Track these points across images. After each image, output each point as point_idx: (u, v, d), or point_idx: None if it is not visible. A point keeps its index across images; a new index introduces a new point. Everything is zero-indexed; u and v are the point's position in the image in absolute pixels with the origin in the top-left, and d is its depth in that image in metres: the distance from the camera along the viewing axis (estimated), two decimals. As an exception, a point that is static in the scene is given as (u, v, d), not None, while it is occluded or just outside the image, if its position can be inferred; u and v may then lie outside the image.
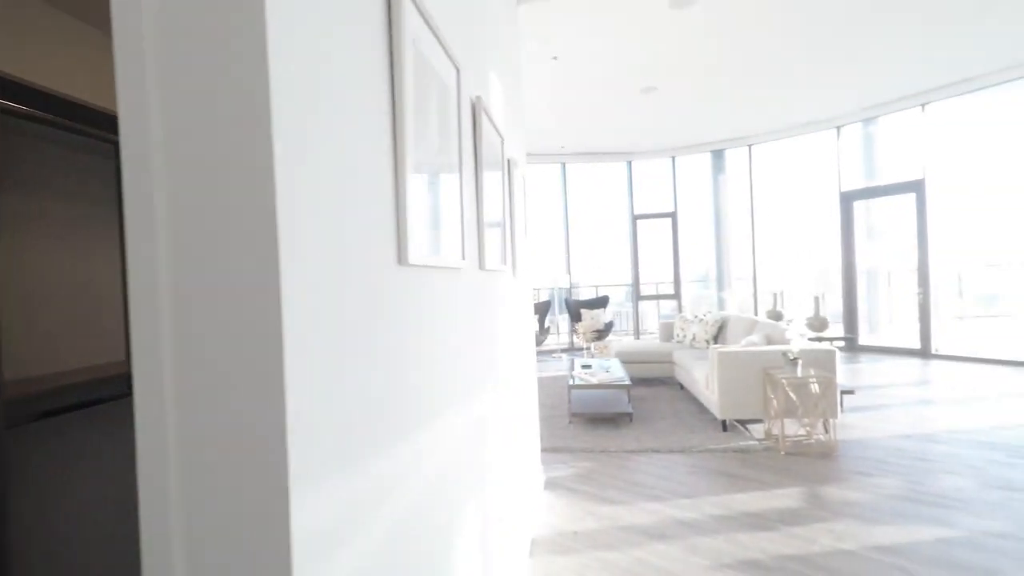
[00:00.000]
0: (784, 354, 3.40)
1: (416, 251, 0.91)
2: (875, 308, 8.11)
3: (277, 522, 0.51)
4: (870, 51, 4.64)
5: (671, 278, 8.53)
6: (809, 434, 3.42)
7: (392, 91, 0.87)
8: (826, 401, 3.33)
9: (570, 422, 4.08)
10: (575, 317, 7.82)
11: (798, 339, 3.38)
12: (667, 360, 5.30)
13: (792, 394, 3.36)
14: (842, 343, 6.90)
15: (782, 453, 3.24)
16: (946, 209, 6.19)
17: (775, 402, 3.37)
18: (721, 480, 2.88)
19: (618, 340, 8.44)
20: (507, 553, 1.79)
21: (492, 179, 1.76)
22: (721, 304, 8.61)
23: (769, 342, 3.91)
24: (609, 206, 8.78)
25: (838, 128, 6.83)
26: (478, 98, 1.52)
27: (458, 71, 1.26)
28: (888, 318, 8.26)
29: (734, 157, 8.05)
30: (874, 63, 4.96)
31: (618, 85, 5.13)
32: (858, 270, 7.07)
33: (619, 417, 4.05)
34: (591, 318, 7.74)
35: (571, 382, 4.07)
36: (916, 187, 6.08)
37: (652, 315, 9.26)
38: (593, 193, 8.94)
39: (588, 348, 7.11)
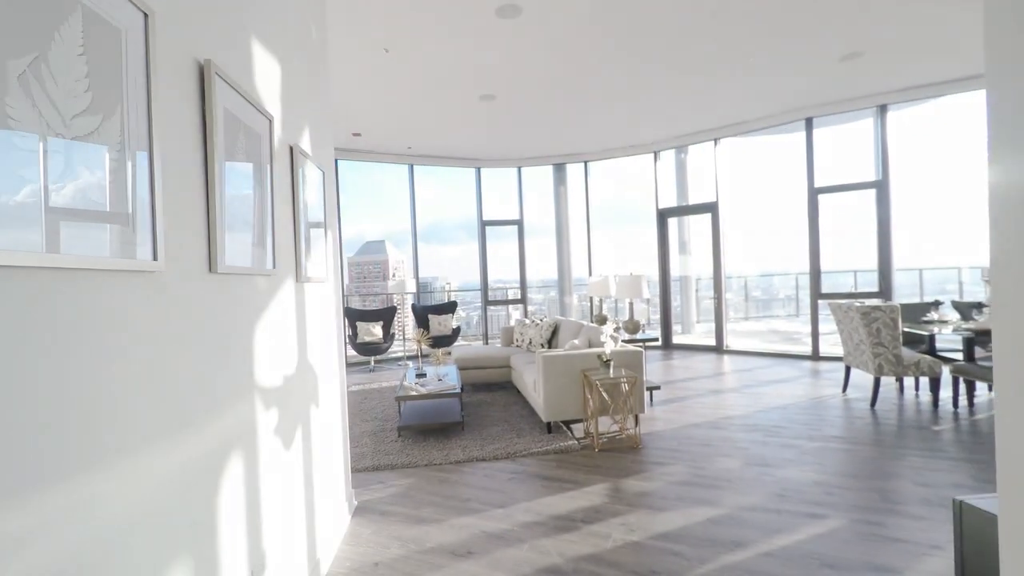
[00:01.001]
0: (599, 356, 3.63)
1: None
2: (687, 311, 9.42)
3: None
4: (673, 87, 5.31)
5: (518, 283, 8.81)
6: (621, 430, 3.69)
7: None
8: (634, 398, 3.62)
9: (399, 436, 3.84)
10: (422, 323, 7.60)
11: (610, 342, 3.63)
12: (507, 365, 5.38)
13: (605, 394, 3.59)
14: (657, 343, 7.82)
15: (596, 451, 3.43)
16: (732, 227, 7.41)
17: (591, 402, 3.57)
18: (537, 484, 2.91)
19: (467, 345, 8.44)
20: (267, 612, 1.50)
21: (246, 168, 1.47)
22: (563, 309, 9.17)
23: (590, 345, 4.16)
24: (460, 211, 8.77)
25: (655, 152, 7.75)
26: (208, 62, 1.23)
27: (147, 16, 0.97)
28: (696, 319, 9.66)
29: (573, 171, 8.65)
30: (676, 95, 5.68)
31: (456, 89, 5.07)
32: (672, 278, 8.11)
33: (451, 427, 3.94)
34: (439, 324, 7.59)
35: (398, 393, 3.83)
36: (712, 208, 7.17)
37: (509, 320, 9.50)
38: (445, 197, 8.86)
39: (428, 356, 6.93)
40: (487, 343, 8.62)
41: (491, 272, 8.77)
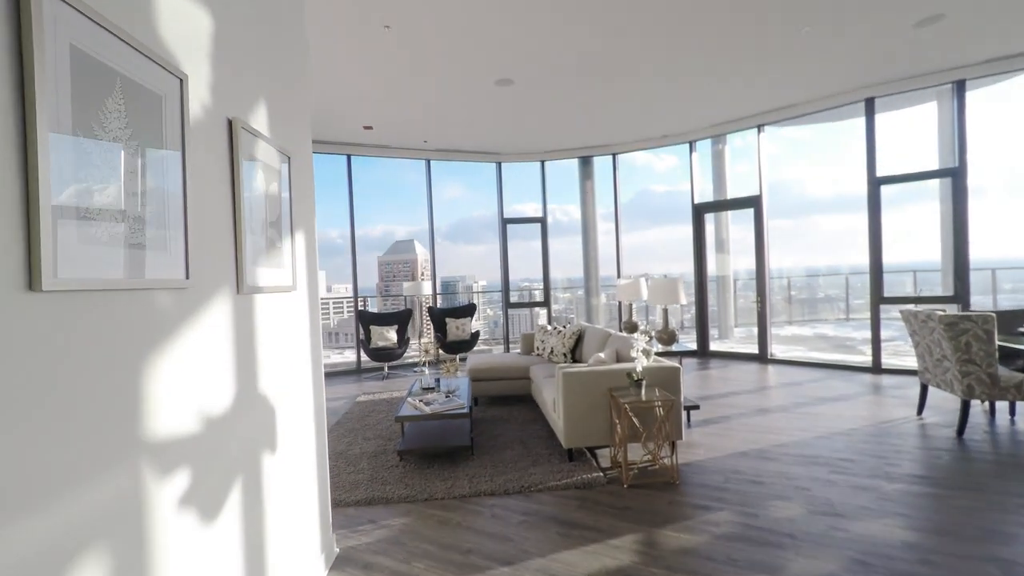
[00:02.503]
0: (628, 375, 3.11)
1: None
2: (725, 314, 8.71)
3: None
4: (713, 64, 4.70)
5: (542, 285, 8.31)
6: (654, 459, 3.17)
7: None
8: (671, 424, 3.09)
9: (401, 460, 3.42)
10: (439, 327, 7.20)
11: (642, 357, 3.11)
12: (526, 376, 4.90)
13: (635, 419, 3.07)
14: (693, 350, 7.19)
15: (625, 486, 2.91)
16: (775, 222, 6.71)
17: (620, 427, 3.05)
18: (552, 532, 2.43)
19: (485, 352, 8.01)
20: None
21: (126, 139, 1.05)
22: (590, 311, 8.62)
23: (619, 358, 3.64)
24: (486, 210, 8.37)
25: (691, 143, 7.12)
26: (23, -33, 0.80)
27: None
28: (735, 323, 8.93)
29: (600, 164, 8.09)
30: (716, 74, 5.07)
31: (469, 73, 4.61)
32: (709, 278, 7.45)
33: (458, 451, 3.49)
34: (457, 328, 7.18)
35: (399, 412, 3.40)
36: (754, 202, 6.49)
37: (535, 321, 9.04)
38: (470, 196, 8.47)
39: (444, 361, 6.56)
40: (508, 349, 8.16)
41: (515, 271, 8.30)
